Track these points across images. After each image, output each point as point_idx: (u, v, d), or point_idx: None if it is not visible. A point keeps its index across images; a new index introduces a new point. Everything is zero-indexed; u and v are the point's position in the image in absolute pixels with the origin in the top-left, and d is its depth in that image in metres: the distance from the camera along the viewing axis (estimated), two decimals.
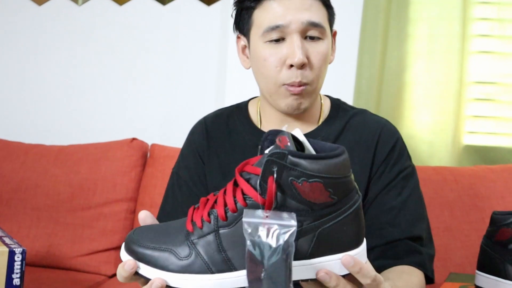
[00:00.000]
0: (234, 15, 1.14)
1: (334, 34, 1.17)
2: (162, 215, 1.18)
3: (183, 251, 0.70)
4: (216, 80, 2.17)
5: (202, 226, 0.70)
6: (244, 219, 0.65)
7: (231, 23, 1.19)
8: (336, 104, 1.20)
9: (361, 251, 0.71)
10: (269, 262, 0.63)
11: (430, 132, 1.96)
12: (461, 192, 1.71)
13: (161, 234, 0.73)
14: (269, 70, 1.06)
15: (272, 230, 0.64)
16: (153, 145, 1.99)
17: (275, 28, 1.04)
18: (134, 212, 1.89)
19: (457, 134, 1.95)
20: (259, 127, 1.17)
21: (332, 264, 0.69)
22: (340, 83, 2.04)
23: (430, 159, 1.95)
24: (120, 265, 0.72)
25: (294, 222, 0.65)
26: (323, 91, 1.24)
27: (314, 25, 1.04)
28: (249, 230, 0.64)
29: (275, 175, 0.66)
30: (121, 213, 1.87)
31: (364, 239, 0.73)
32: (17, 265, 1.26)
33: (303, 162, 0.66)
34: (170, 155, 1.88)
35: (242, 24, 1.12)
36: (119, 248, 1.86)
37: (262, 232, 0.64)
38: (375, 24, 1.96)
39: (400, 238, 1.07)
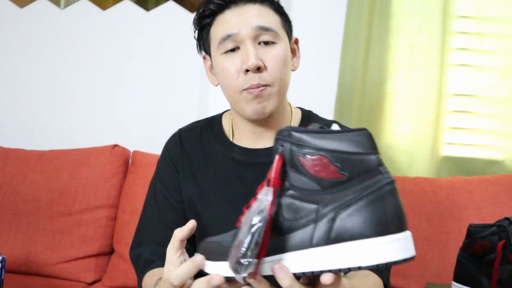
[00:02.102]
0: (196, 37, 1.18)
1: (295, 42, 1.19)
2: (140, 227, 1.21)
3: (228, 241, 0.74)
4: (199, 87, 2.18)
5: None
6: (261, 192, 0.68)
7: None
8: (307, 116, 1.22)
9: (384, 243, 0.63)
10: (240, 232, 0.65)
11: (409, 143, 1.99)
12: (439, 203, 1.74)
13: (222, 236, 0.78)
14: (229, 79, 1.09)
15: (253, 204, 0.66)
16: (135, 152, 1.98)
17: (227, 38, 1.07)
18: (115, 219, 1.89)
19: (436, 145, 1.99)
20: (230, 139, 1.20)
21: (350, 254, 0.64)
22: (321, 94, 2.07)
23: (409, 169, 1.99)
24: (190, 261, 0.76)
25: (269, 197, 0.65)
26: (303, 102, 1.26)
27: (264, 29, 1.07)
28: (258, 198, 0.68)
29: (279, 153, 0.68)
30: (101, 219, 1.86)
31: (404, 232, 0.64)
32: None
33: (305, 136, 0.66)
34: (152, 163, 1.86)
35: (203, 43, 1.17)
36: (99, 255, 1.85)
37: (259, 199, 0.67)
38: (357, 35, 1.99)
39: None
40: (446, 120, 2.02)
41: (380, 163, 0.66)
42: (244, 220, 0.66)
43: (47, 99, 2.27)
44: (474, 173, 1.98)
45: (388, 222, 0.64)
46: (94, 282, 1.83)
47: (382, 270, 1.07)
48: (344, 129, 0.67)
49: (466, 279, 1.20)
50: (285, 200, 0.68)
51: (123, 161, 1.96)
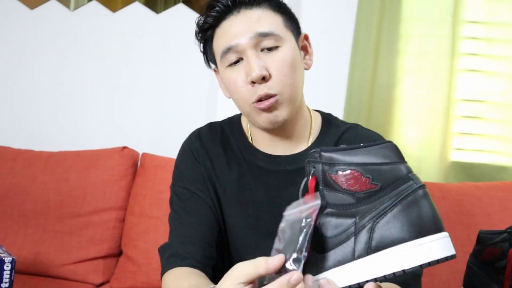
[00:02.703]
0: (202, 50, 1.14)
1: (305, 38, 1.13)
2: (176, 232, 1.11)
3: None
4: (208, 90, 2.18)
5: None
6: (287, 209, 0.71)
7: None
8: (327, 120, 1.17)
9: (424, 243, 0.66)
10: (287, 236, 0.68)
11: (418, 148, 1.99)
12: (447, 209, 1.74)
13: None
14: (237, 92, 1.05)
15: (299, 209, 0.69)
16: (144, 154, 1.98)
17: (228, 50, 1.03)
18: (123, 221, 1.89)
19: (445, 150, 1.98)
20: (251, 142, 1.16)
21: (392, 260, 0.66)
22: (330, 98, 2.06)
23: (418, 174, 1.92)
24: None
25: (318, 201, 0.69)
26: (312, 106, 1.23)
27: (264, 35, 1.02)
28: (284, 214, 0.71)
29: (311, 175, 0.71)
30: (110, 221, 1.86)
31: (442, 233, 0.67)
32: (6, 274, 1.26)
33: (335, 155, 0.70)
34: (161, 165, 1.88)
35: (209, 56, 1.13)
36: (107, 257, 1.86)
37: (292, 213, 0.70)
38: (367, 39, 1.99)
39: None
40: (455, 126, 2.02)
41: (409, 171, 0.70)
42: (291, 223, 0.69)
43: (56, 100, 2.28)
44: (482, 179, 1.97)
45: (424, 224, 0.67)
46: (102, 284, 1.83)
47: (411, 285, 1.02)
48: (368, 144, 0.70)
49: (476, 286, 1.20)
50: (323, 219, 0.70)
51: (132, 163, 1.96)
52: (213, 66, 1.15)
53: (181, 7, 2.22)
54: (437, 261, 0.65)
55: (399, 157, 0.70)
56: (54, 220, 1.86)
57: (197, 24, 1.09)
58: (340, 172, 0.69)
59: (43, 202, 1.88)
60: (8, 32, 2.31)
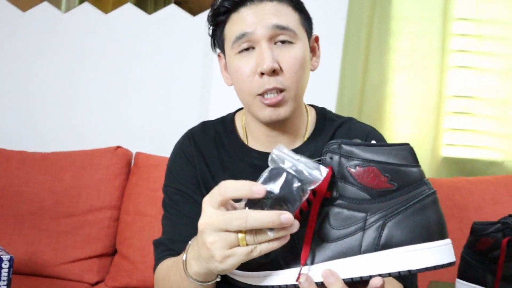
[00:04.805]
0: (210, 33, 1.13)
1: (316, 40, 1.14)
2: (168, 232, 1.11)
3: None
4: (200, 89, 2.19)
5: None
6: (274, 150, 0.69)
7: None
8: (322, 115, 1.17)
9: (431, 248, 0.68)
10: (277, 194, 0.67)
11: (410, 144, 2.00)
12: (440, 203, 1.75)
13: None
14: (242, 81, 1.03)
15: (297, 174, 0.67)
16: (137, 153, 1.99)
17: (242, 36, 1.02)
18: (117, 220, 1.89)
19: (436, 146, 2.00)
20: (246, 143, 1.15)
21: (400, 259, 0.68)
22: (322, 95, 2.07)
23: None
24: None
25: (320, 177, 0.68)
26: (306, 102, 1.24)
27: (282, 28, 1.01)
28: (275, 158, 0.69)
29: (328, 165, 0.70)
30: (104, 220, 1.87)
31: (446, 239, 0.70)
32: (4, 273, 1.26)
33: (355, 149, 0.70)
34: (154, 164, 1.89)
35: (218, 40, 1.11)
36: (102, 255, 1.86)
37: (288, 169, 0.68)
38: (358, 37, 2.00)
39: None
40: (446, 122, 2.04)
41: (423, 176, 0.71)
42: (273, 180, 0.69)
43: (50, 101, 2.28)
44: (474, 174, 1.99)
45: (433, 230, 0.69)
46: (97, 283, 1.83)
47: (405, 277, 1.02)
48: (389, 143, 0.71)
49: (470, 276, 1.21)
50: (333, 210, 0.71)
51: (126, 162, 1.97)
52: (218, 51, 1.14)
53: (173, 8, 2.23)
54: (442, 266, 0.68)
55: (415, 161, 0.71)
56: (49, 220, 1.86)
57: (212, 6, 1.09)
58: (358, 167, 0.69)
59: (37, 202, 1.88)
60: (0, 34, 2.31)
